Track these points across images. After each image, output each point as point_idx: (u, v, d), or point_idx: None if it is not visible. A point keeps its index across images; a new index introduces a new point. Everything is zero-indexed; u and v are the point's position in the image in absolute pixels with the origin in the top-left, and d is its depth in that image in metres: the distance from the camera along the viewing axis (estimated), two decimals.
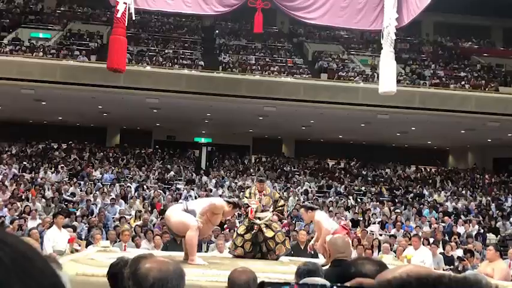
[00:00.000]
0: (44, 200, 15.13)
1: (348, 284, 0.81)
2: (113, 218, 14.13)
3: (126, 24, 9.04)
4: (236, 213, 14.34)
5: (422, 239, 10.54)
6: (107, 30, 22.36)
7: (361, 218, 15.97)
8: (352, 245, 10.25)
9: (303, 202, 17.26)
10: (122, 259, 3.22)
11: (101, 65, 15.82)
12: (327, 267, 4.09)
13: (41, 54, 20.01)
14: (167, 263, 1.86)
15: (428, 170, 24.56)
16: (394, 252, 10.58)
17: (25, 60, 18.40)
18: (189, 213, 6.67)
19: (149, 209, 15.08)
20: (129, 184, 18.03)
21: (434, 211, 17.53)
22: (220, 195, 16.79)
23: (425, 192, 20.56)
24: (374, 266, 1.54)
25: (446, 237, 13.82)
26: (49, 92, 17.77)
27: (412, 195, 20.15)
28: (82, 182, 17.74)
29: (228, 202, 7.12)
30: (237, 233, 7.98)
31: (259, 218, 7.75)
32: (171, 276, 1.79)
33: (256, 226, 7.71)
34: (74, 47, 21.58)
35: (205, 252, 9.41)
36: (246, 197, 8.03)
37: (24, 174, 17.96)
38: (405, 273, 0.76)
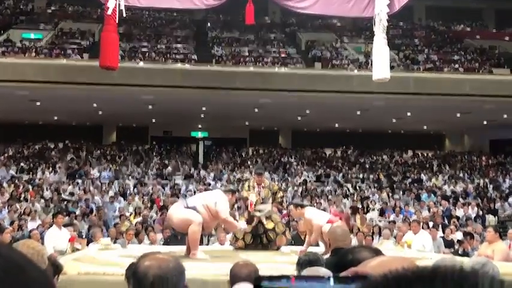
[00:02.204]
0: (42, 201, 15.13)
1: (344, 273, 0.82)
2: (113, 215, 14.15)
3: (117, 21, 9.00)
4: (236, 206, 14.39)
5: (421, 224, 10.56)
6: (99, 27, 22.24)
7: (360, 205, 16.01)
8: (352, 232, 10.30)
9: (301, 193, 17.30)
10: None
11: (93, 63, 15.73)
12: (328, 256, 4.11)
13: (33, 54, 19.95)
14: (167, 260, 1.86)
15: (426, 154, 24.61)
16: (394, 238, 10.61)
17: (18, 62, 18.32)
18: (190, 209, 6.67)
19: (149, 205, 15.09)
20: (127, 181, 18.03)
21: (432, 195, 17.58)
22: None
23: (423, 177, 20.61)
24: (370, 253, 1.56)
25: (446, 221, 13.87)
26: (43, 92, 17.72)
27: (410, 180, 20.20)
28: (80, 181, 17.73)
29: (226, 192, 7.11)
30: None
31: (258, 211, 7.77)
32: (171, 273, 1.78)
33: (256, 218, 7.73)
34: (66, 46, 21.50)
35: (207, 245, 9.43)
36: (245, 190, 8.04)
37: (22, 175, 17.95)
38: (379, 266, 0.76)
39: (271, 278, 0.72)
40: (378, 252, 1.57)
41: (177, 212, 6.77)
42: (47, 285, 0.63)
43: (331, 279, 0.74)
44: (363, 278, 0.73)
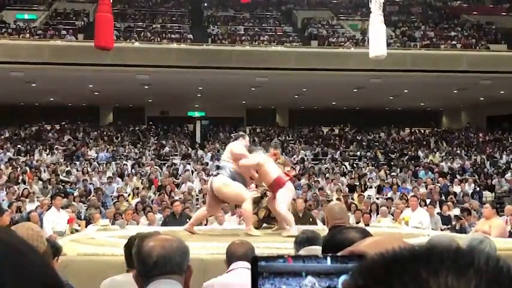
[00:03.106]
0: (40, 182, 15.13)
1: (340, 253, 0.82)
2: (111, 196, 14.17)
3: (111, 1, 8.94)
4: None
5: (419, 201, 10.60)
6: (93, 7, 22.05)
7: (358, 183, 16.05)
8: (350, 210, 10.34)
9: (299, 171, 17.32)
10: (139, 234, 3.31)
11: (88, 43, 15.65)
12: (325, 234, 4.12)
13: (27, 35, 19.79)
14: (170, 240, 1.88)
15: (423, 131, 24.64)
16: (392, 215, 10.66)
17: (12, 43, 18.21)
18: (240, 184, 6.74)
19: (147, 185, 15.10)
20: (125, 162, 18.03)
21: (430, 172, 17.63)
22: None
23: (420, 153, 20.64)
24: (358, 234, 1.58)
25: (443, 198, 13.91)
26: (39, 73, 17.63)
27: (407, 157, 20.24)
28: (78, 162, 17.73)
29: (236, 139, 7.36)
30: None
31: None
32: (174, 253, 1.81)
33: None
34: (61, 27, 21.33)
35: (205, 225, 9.45)
36: None
37: (19, 157, 17.92)
38: (374, 245, 0.77)
39: (267, 259, 0.72)
40: (365, 233, 1.60)
41: (227, 185, 6.77)
42: (46, 268, 0.62)
43: (329, 259, 0.74)
44: (360, 257, 0.73)
